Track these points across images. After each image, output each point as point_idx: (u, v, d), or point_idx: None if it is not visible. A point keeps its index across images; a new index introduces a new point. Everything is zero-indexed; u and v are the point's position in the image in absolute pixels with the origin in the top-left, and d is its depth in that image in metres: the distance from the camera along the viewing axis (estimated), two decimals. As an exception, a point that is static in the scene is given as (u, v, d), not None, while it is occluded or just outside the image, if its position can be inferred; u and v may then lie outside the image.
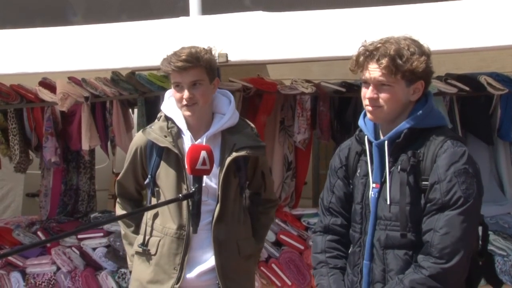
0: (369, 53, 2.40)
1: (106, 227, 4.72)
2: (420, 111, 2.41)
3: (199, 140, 2.95)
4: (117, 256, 4.64)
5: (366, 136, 2.51)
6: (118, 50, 4.16)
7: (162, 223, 2.97)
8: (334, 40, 3.76)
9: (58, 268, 4.77)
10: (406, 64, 2.35)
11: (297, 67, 5.50)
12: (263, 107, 4.58)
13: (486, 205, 4.36)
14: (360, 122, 2.54)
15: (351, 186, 2.60)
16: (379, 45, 2.40)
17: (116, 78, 4.61)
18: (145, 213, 3.07)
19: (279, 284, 4.55)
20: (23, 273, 4.82)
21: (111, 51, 4.17)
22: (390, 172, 2.42)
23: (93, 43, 4.23)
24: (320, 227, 2.67)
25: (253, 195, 3.18)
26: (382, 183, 2.45)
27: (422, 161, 2.38)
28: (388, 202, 2.40)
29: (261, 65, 5.02)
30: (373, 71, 2.39)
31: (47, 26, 4.50)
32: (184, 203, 2.90)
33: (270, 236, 4.55)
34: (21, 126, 5.00)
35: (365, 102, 2.45)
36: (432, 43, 3.54)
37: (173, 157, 2.94)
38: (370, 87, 2.41)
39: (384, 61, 2.35)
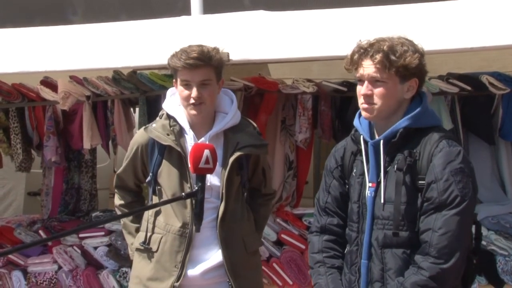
0: (363, 51, 2.44)
1: (108, 226, 4.72)
2: (416, 111, 2.44)
3: (202, 139, 2.95)
4: (119, 255, 4.64)
5: (361, 136, 2.53)
6: (120, 49, 4.17)
7: (165, 220, 2.97)
8: (335, 39, 3.76)
9: (60, 267, 4.77)
10: (400, 60, 2.39)
11: (298, 66, 5.50)
12: (264, 106, 4.58)
13: (487, 205, 4.44)
14: (356, 122, 2.57)
15: (347, 186, 2.62)
16: (373, 42, 2.44)
17: (117, 77, 4.61)
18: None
19: (280, 283, 4.55)
20: (25, 272, 4.83)
21: (113, 50, 4.17)
22: (386, 171, 2.44)
23: (94, 42, 4.24)
24: (316, 227, 2.69)
25: (253, 190, 3.18)
26: (379, 182, 2.47)
27: (419, 161, 2.41)
28: (382, 201, 2.43)
29: (263, 64, 5.02)
30: (367, 67, 2.43)
31: (48, 25, 4.50)
32: (188, 201, 2.89)
33: (272, 235, 4.56)
34: (23, 125, 5.01)
35: (360, 100, 2.48)
36: (433, 43, 3.57)
37: (176, 156, 2.94)
38: (365, 84, 2.45)
39: (378, 56, 2.40)
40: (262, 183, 3.18)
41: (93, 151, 5.07)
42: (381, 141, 2.45)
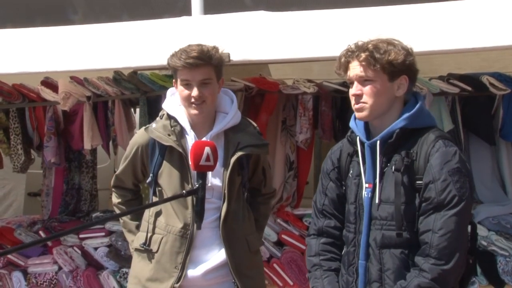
0: (350, 53, 2.48)
1: (108, 226, 4.72)
2: (412, 111, 2.45)
3: (203, 139, 2.93)
4: (119, 256, 4.64)
5: (358, 137, 2.54)
6: (120, 49, 4.17)
7: (166, 221, 2.96)
8: (336, 39, 3.75)
9: (60, 268, 4.78)
10: (384, 56, 2.42)
11: (298, 67, 5.50)
12: (265, 106, 4.58)
13: (488, 205, 4.45)
14: (351, 124, 2.59)
15: (344, 188, 2.62)
16: (360, 43, 2.48)
17: (118, 77, 4.61)
18: (147, 210, 3.06)
19: (280, 284, 4.55)
20: (25, 273, 4.83)
21: (113, 50, 4.17)
22: (383, 172, 2.45)
23: (95, 42, 4.23)
24: (314, 230, 2.69)
25: (253, 189, 3.18)
26: (375, 183, 2.47)
27: (416, 161, 2.42)
28: (377, 202, 2.44)
29: (263, 65, 5.02)
30: (354, 68, 2.47)
31: (48, 25, 4.50)
32: (189, 201, 2.89)
33: (272, 236, 4.56)
34: (23, 126, 5.01)
35: (352, 101, 2.51)
36: (434, 43, 3.57)
37: (177, 156, 2.93)
38: (354, 84, 2.48)
39: (363, 55, 2.43)
40: (262, 182, 3.18)
41: (93, 151, 5.07)
42: (378, 142, 2.45)
